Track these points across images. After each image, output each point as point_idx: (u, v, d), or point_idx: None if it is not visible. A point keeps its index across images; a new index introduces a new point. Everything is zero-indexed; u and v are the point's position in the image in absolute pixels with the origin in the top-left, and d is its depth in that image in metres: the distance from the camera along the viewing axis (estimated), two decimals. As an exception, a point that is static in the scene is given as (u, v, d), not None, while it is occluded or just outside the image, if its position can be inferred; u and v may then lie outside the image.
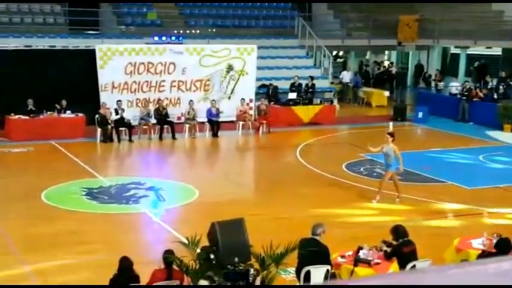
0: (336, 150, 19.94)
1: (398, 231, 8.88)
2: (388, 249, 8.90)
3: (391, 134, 13.85)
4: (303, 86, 24.90)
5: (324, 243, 8.61)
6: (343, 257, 9.01)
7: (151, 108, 21.14)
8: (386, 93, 28.89)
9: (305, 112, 23.32)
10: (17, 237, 11.20)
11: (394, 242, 8.86)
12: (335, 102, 25.02)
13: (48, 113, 19.92)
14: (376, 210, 13.35)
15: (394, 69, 31.69)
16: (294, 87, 24.48)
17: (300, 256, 8.40)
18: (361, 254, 8.86)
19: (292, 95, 23.63)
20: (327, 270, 8.43)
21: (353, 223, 12.51)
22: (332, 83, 28.17)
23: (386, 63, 33.74)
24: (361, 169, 16.75)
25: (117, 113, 20.13)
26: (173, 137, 20.50)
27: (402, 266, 8.53)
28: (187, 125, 21.00)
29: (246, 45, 23.61)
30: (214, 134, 21.14)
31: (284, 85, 24.87)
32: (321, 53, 27.77)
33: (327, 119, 23.55)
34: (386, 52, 35.99)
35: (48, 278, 9.41)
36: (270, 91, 24.26)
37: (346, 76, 30.36)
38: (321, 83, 26.26)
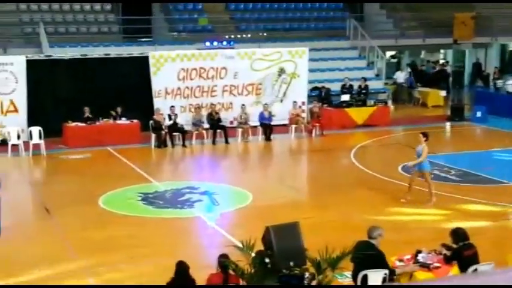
0: (391, 152, 19.62)
1: (458, 234, 8.62)
2: (448, 253, 8.65)
3: (424, 134, 13.61)
4: (355, 87, 24.63)
5: (379, 249, 8.43)
6: (401, 260, 8.81)
7: (204, 113, 21.27)
8: (443, 93, 28.27)
9: (359, 114, 23.04)
10: (75, 241, 11.41)
11: (454, 245, 8.61)
12: (389, 103, 24.64)
13: (104, 119, 20.28)
14: (433, 213, 13.05)
15: (449, 68, 31.01)
16: (345, 88, 24.23)
17: (356, 260, 8.25)
18: (420, 257, 8.65)
19: (345, 97, 23.39)
20: (385, 274, 8.25)
21: (410, 226, 12.26)
22: (386, 83, 27.78)
23: (441, 62, 33.07)
24: (418, 171, 16.39)
25: (170, 119, 20.35)
26: (226, 142, 20.57)
27: (463, 269, 8.28)
28: (239, 129, 21.04)
29: (297, 47, 23.53)
30: (267, 138, 21.11)
31: (336, 87, 24.65)
32: (374, 54, 27.43)
33: (382, 120, 23.20)
34: (442, 51, 35.27)
35: (106, 281, 9.53)
36: (323, 93, 24.10)
37: (400, 76, 29.88)
38: (374, 84, 25.93)
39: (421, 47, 32.60)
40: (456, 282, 1.77)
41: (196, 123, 20.86)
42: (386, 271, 8.27)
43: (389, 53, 32.64)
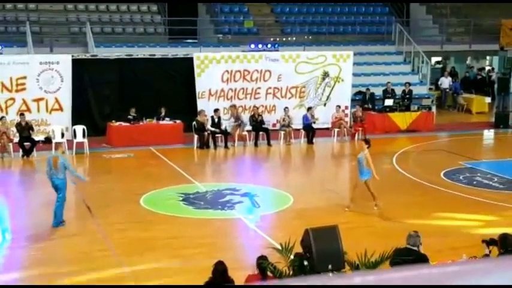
0: (434, 157, 19.33)
1: (506, 241, 8.39)
2: (488, 250, 8.38)
3: (367, 141, 13.48)
4: (399, 92, 24.36)
5: (422, 252, 8.28)
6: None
7: (245, 115, 21.32)
8: (488, 100, 27.75)
9: (402, 119, 22.80)
10: (117, 241, 11.54)
11: (501, 250, 8.37)
12: (433, 108, 24.30)
13: (148, 120, 20.49)
14: (475, 219, 12.79)
15: (494, 75, 30.40)
16: (387, 93, 23.97)
17: (395, 265, 8.12)
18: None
19: (389, 102, 23.15)
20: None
21: (451, 232, 12.04)
22: (430, 89, 27.39)
23: (487, 69, 32.46)
24: (461, 177, 16.14)
25: (213, 120, 20.45)
26: (268, 144, 20.56)
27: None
28: (282, 132, 21.01)
29: (342, 51, 23.39)
30: (310, 141, 21.03)
31: (380, 92, 24.41)
32: (419, 59, 27.08)
33: (425, 126, 22.93)
34: (488, 57, 34.62)
35: (146, 281, 9.61)
36: (367, 96, 23.85)
37: (445, 82, 29.43)
38: (418, 89, 25.61)
39: (466, 53, 32.07)
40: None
41: (236, 121, 20.85)
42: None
43: (434, 59, 32.19)
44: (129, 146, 19.32)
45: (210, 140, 20.26)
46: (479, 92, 29.19)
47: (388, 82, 24.30)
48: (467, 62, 34.67)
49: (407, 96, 24.09)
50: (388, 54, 27.59)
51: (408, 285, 1.75)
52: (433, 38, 29.74)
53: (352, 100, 23.39)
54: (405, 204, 13.87)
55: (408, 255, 8.10)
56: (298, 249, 7.48)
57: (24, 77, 19.94)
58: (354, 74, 23.72)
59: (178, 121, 20.67)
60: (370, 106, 23.35)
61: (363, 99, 23.85)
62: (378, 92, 24.43)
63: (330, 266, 7.09)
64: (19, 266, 10.45)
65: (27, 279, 9.79)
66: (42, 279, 9.76)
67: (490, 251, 8.40)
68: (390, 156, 18.83)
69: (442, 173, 16.37)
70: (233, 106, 21.42)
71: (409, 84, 24.56)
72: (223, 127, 20.63)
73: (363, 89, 24.55)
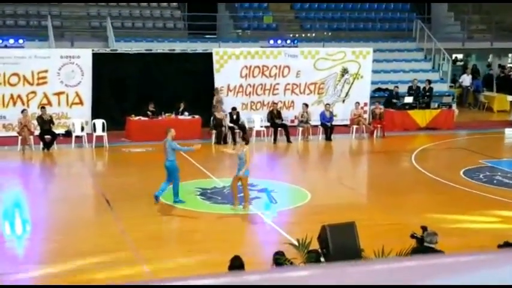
0: (453, 156, 19.18)
1: None
2: None
3: (244, 138, 13.70)
4: (420, 89, 24.16)
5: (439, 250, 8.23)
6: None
7: (263, 110, 21.32)
8: (510, 98, 27.45)
9: (422, 116, 22.65)
10: (136, 234, 11.57)
11: None
12: (454, 106, 24.10)
13: (167, 114, 20.55)
14: (494, 219, 12.67)
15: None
16: (412, 90, 23.77)
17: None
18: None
19: (409, 99, 22.98)
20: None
21: (470, 231, 11.94)
22: (451, 86, 27.17)
23: (509, 67, 32.08)
24: (481, 176, 15.99)
25: (231, 116, 20.46)
26: (288, 140, 20.52)
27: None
28: (300, 128, 20.97)
29: (362, 48, 23.27)
30: (328, 138, 20.96)
31: (401, 89, 24.23)
32: (440, 56, 26.86)
33: (445, 123, 22.75)
34: (510, 55, 34.24)
35: (163, 275, 9.63)
36: (393, 93, 23.48)
37: (466, 80, 29.16)
38: (439, 86, 25.40)
39: (488, 51, 31.74)
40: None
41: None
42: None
43: (455, 56, 31.91)
44: (148, 141, 19.37)
45: (229, 136, 20.29)
46: (501, 90, 28.87)
47: (415, 79, 24.04)
48: (489, 59, 34.32)
49: (428, 93, 23.91)
50: (408, 51, 27.39)
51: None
52: (454, 35, 29.49)
53: (372, 97, 23.26)
54: (423, 203, 13.78)
55: (425, 252, 8.05)
56: (315, 245, 7.47)
57: (46, 71, 20.11)
58: (374, 71, 23.57)
59: (197, 116, 20.71)
60: (398, 103, 23.03)
61: (389, 96, 23.58)
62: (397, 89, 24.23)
63: (346, 263, 7.06)
64: (38, 258, 10.53)
65: (45, 272, 9.87)
66: (60, 272, 9.83)
67: None
68: (409, 154, 18.69)
69: (461, 172, 16.23)
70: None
71: (430, 81, 24.37)
72: (241, 122, 20.63)
73: (383, 86, 24.39)
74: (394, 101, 22.94)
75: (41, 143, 18.75)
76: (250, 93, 21.92)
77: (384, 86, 24.64)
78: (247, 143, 13.49)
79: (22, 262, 10.39)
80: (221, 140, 20.05)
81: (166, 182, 13.37)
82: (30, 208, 13.65)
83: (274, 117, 20.93)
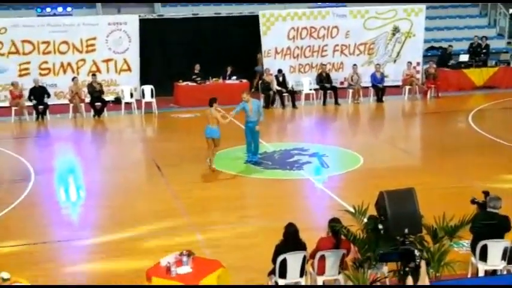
0: (513, 115, 18.49)
1: None
2: None
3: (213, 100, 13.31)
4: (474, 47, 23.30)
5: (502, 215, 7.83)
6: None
7: (312, 73, 20.91)
8: None
9: (478, 75, 21.98)
10: (187, 201, 11.51)
11: None
12: (512, 63, 23.20)
13: (214, 79, 20.39)
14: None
15: None
16: (472, 48, 22.88)
17: (475, 229, 7.72)
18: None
19: (464, 57, 22.21)
20: (507, 245, 7.66)
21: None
22: (509, 43, 26.10)
23: None
24: (544, 136, 15.34)
25: (278, 80, 20.14)
26: (336, 103, 20.13)
27: None
28: (350, 90, 20.52)
29: (414, 5, 22.47)
30: (379, 99, 20.48)
31: (455, 47, 23.40)
32: (496, 11, 25.79)
33: (503, 82, 22.06)
34: None
35: (215, 241, 9.55)
36: (446, 52, 22.72)
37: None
38: (496, 43, 24.48)
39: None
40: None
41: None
42: (508, 242, 7.68)
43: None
44: (196, 106, 19.23)
45: (277, 99, 20.01)
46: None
47: (475, 36, 23.18)
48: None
49: (484, 51, 23.02)
50: (462, 7, 26.40)
51: None
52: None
53: (424, 56, 22.60)
54: (482, 165, 13.27)
55: (491, 219, 7.67)
56: (372, 211, 7.18)
57: (94, 38, 20.23)
58: (426, 29, 22.84)
59: (244, 80, 20.48)
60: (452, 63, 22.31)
61: (441, 55, 22.83)
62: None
63: (406, 230, 6.76)
64: (94, 225, 10.57)
65: (99, 238, 9.89)
66: (117, 239, 9.83)
67: None
68: (465, 114, 18.19)
69: (521, 131, 15.62)
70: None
71: (486, 38, 23.44)
72: (289, 86, 20.30)
73: (436, 45, 23.62)
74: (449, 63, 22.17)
75: (92, 110, 18.92)
76: (298, 55, 21.55)
77: (437, 45, 23.86)
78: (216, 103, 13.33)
79: (78, 229, 10.44)
80: (269, 103, 19.79)
81: (249, 143, 13.72)
82: (83, 175, 13.75)
83: (323, 80, 20.54)
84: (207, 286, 6.83)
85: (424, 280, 5.16)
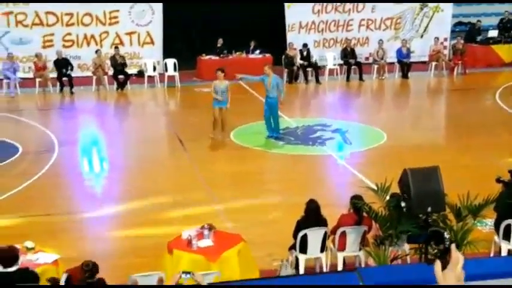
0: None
1: None
2: None
3: (222, 70, 13.51)
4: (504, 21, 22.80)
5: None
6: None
7: (337, 48, 20.64)
8: None
9: (507, 51, 21.60)
10: (208, 174, 11.51)
11: None
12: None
13: (237, 53, 20.26)
14: None
15: None
16: (502, 23, 22.39)
17: (499, 208, 7.61)
18: None
19: (493, 33, 21.76)
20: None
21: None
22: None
23: None
24: None
25: (302, 54, 19.93)
26: (360, 79, 19.90)
27: None
28: (375, 66, 20.25)
29: (443, -21, 22.02)
30: (404, 75, 20.20)
31: (484, 22, 22.89)
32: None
33: (534, 58, 21.59)
34: None
35: (236, 215, 9.53)
36: (475, 28, 22.28)
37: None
38: (526, 18, 23.87)
39: None
40: None
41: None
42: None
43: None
44: (219, 80, 19.17)
45: (300, 74, 19.84)
46: None
47: (506, 11, 22.64)
48: None
49: (514, 26, 22.55)
50: (493, -19, 25.76)
51: None
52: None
53: (452, 31, 22.19)
54: (508, 144, 13.08)
55: (512, 198, 7.55)
56: (394, 189, 7.09)
57: (117, 10, 20.11)
58: (455, 3, 22.37)
59: (268, 55, 20.30)
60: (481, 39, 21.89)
61: (469, 31, 22.39)
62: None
63: (429, 209, 6.66)
64: (116, 197, 10.63)
65: (121, 209, 9.95)
66: (138, 210, 9.87)
67: None
68: (493, 91, 17.90)
69: (550, 110, 15.32)
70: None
71: (516, 12, 22.90)
72: (313, 60, 20.09)
73: (464, 20, 23.16)
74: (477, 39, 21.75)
75: (115, 83, 18.92)
76: (322, 30, 21.31)
77: (465, 20, 23.37)
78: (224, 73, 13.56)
79: (102, 200, 10.51)
80: (292, 78, 19.64)
81: (268, 119, 13.53)
82: (106, 147, 13.80)
83: (347, 55, 20.29)
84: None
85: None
